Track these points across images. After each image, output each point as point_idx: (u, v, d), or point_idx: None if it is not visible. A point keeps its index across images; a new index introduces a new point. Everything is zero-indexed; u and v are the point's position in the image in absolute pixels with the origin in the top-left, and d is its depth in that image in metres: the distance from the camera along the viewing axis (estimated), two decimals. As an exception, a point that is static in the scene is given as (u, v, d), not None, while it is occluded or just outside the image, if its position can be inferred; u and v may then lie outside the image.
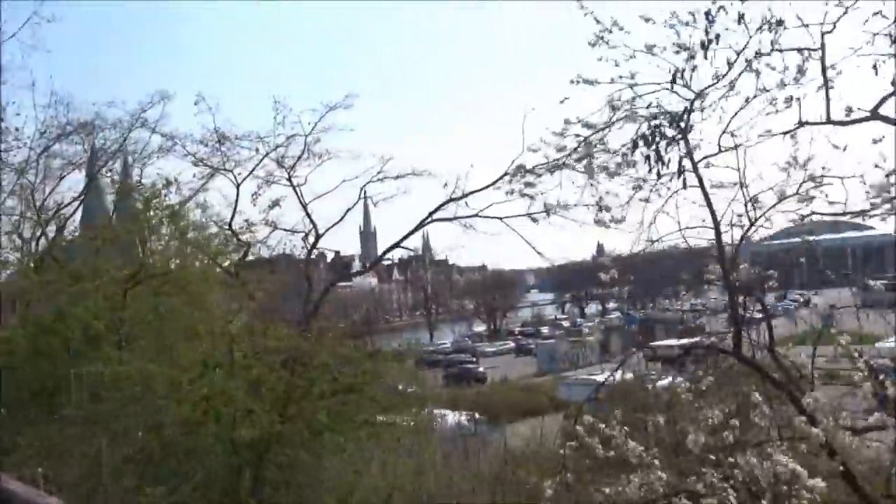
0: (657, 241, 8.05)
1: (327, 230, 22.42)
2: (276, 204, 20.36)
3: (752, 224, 7.08)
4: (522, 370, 51.47)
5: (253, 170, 22.01)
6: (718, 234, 7.03)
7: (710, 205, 7.15)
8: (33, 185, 22.49)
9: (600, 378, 10.11)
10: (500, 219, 16.86)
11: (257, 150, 22.48)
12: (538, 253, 20.33)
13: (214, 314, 14.27)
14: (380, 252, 19.95)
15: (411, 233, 17.95)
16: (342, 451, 10.17)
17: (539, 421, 16.02)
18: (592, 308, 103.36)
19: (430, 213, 17.38)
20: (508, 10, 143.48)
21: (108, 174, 24.05)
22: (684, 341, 9.87)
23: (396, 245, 17.52)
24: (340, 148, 23.05)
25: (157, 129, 23.29)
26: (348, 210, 22.31)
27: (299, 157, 22.84)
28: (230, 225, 19.80)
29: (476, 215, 17.03)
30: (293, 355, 10.03)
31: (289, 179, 22.75)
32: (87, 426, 10.59)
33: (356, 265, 72.73)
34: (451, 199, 16.89)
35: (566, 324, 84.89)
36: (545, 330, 79.81)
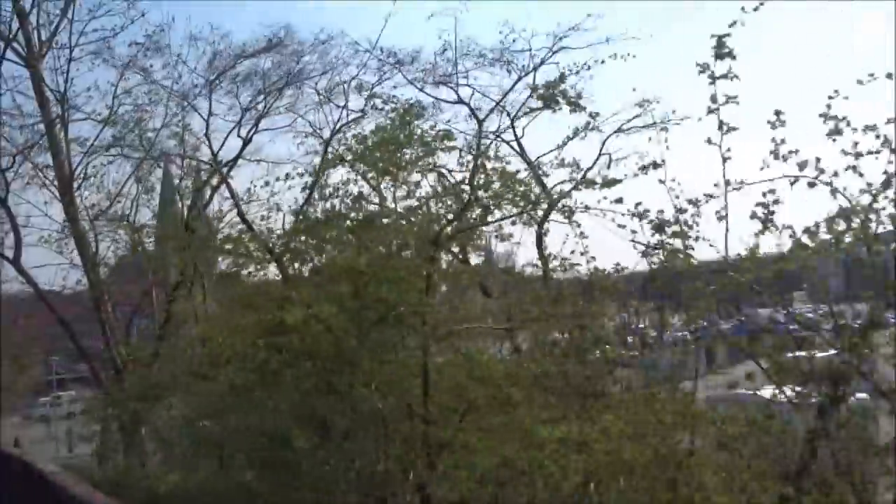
0: None
1: (562, 197, 15.24)
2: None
3: None
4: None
5: (498, 103, 16.23)
6: None
7: None
8: (207, 120, 18.66)
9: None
10: None
11: (508, 71, 16.77)
12: None
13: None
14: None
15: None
16: None
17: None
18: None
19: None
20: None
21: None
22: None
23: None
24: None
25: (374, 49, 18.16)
26: (587, 170, 14.95)
27: (522, 105, 17.05)
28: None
29: None
30: None
31: (512, 129, 17.07)
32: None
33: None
34: None
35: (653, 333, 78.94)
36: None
